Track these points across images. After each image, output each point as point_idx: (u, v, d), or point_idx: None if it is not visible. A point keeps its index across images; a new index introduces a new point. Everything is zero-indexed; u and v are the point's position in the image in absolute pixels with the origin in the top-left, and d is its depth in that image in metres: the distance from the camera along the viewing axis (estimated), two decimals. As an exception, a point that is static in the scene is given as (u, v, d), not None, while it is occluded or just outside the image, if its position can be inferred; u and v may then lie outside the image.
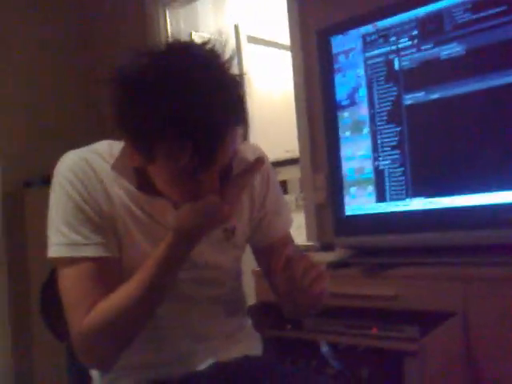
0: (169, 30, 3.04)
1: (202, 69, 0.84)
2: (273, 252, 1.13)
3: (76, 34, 3.29)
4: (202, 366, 1.05)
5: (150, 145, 0.84)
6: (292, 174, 3.30)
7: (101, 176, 0.98)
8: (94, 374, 1.10)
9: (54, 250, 0.96)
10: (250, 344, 1.16)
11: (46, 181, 3.09)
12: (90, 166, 0.98)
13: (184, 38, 0.89)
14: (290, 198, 3.33)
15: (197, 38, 3.33)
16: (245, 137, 0.90)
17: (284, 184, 3.40)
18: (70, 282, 0.96)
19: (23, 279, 2.78)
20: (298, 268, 0.88)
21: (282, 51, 3.83)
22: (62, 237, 0.95)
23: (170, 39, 0.89)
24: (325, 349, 0.96)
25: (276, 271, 0.90)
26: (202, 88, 0.82)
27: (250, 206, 1.11)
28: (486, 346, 1.56)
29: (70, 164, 0.99)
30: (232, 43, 3.63)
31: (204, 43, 0.87)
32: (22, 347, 2.84)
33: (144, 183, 0.97)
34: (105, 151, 1.01)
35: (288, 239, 1.18)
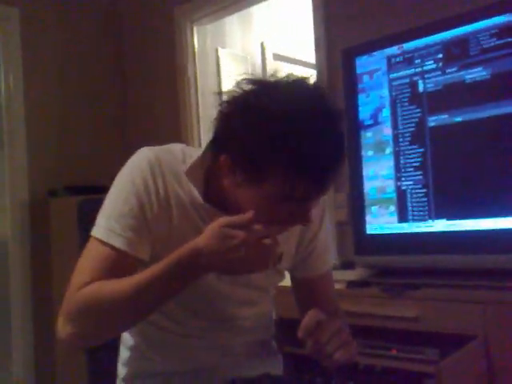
0: (195, 46, 3.10)
1: (320, 102, 0.89)
2: (311, 286, 1.18)
3: (108, 49, 3.37)
4: (223, 380, 1.07)
5: (266, 170, 0.88)
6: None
7: (168, 178, 1.00)
8: (119, 371, 1.14)
9: (94, 229, 0.99)
10: (271, 363, 1.18)
11: (71, 190, 3.15)
12: (160, 167, 0.99)
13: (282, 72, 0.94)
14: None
15: (224, 54, 3.39)
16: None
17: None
18: (88, 256, 0.98)
19: (47, 286, 2.83)
20: (324, 333, 0.89)
21: (308, 69, 3.86)
22: (104, 220, 0.98)
23: (282, 73, 0.93)
24: None
25: (303, 332, 0.90)
26: (322, 121, 0.87)
27: (300, 235, 1.13)
28: (507, 369, 1.55)
29: (143, 159, 1.00)
30: (258, 61, 3.68)
31: (307, 77, 0.92)
32: (44, 350, 2.89)
33: (211, 194, 1.00)
34: (178, 154, 1.03)
35: (329, 277, 1.21)
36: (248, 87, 0.91)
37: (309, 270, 1.18)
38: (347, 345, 0.91)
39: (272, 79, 0.92)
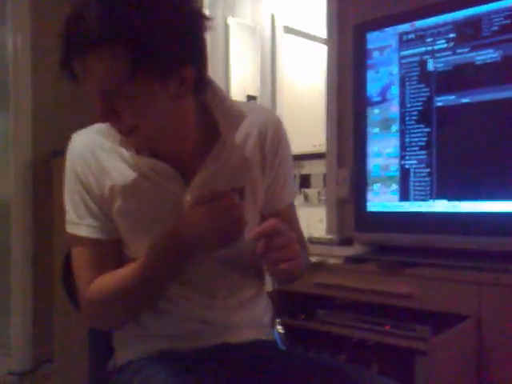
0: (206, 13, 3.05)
1: None
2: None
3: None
4: (211, 344, 1.05)
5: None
6: (316, 169, 3.32)
7: (101, 157, 1.02)
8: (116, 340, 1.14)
9: (66, 224, 1.05)
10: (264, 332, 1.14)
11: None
12: (91, 150, 1.03)
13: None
14: (312, 192, 3.35)
15: (233, 23, 3.35)
16: (134, 69, 0.86)
17: (308, 178, 3.41)
18: (73, 255, 1.05)
19: (48, 247, 2.85)
20: (278, 240, 0.89)
21: (318, 44, 3.83)
22: (66, 213, 1.05)
23: None
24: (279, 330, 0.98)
25: (257, 233, 0.90)
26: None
27: (261, 161, 1.08)
28: (498, 350, 1.57)
29: (75, 147, 1.05)
30: (268, 32, 3.65)
31: None
32: (44, 315, 2.92)
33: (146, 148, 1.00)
34: (105, 127, 1.03)
35: (293, 209, 1.18)
36: None
37: (273, 203, 1.12)
38: (295, 258, 0.91)
39: None
